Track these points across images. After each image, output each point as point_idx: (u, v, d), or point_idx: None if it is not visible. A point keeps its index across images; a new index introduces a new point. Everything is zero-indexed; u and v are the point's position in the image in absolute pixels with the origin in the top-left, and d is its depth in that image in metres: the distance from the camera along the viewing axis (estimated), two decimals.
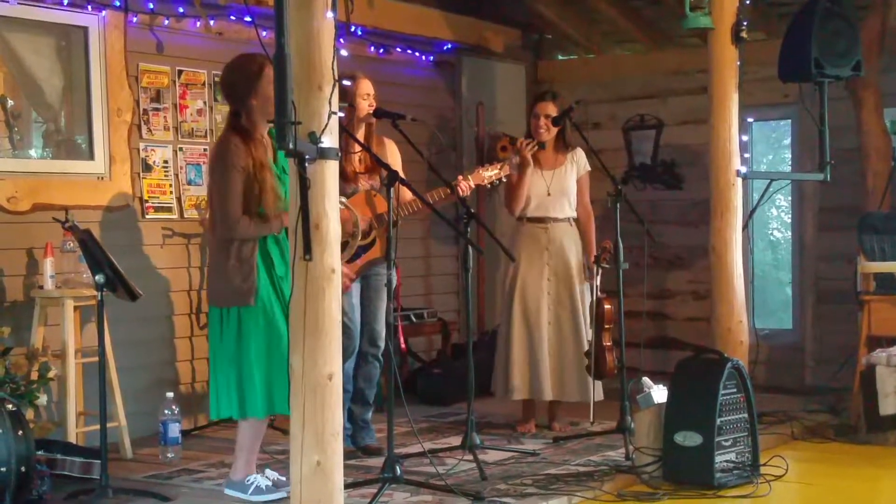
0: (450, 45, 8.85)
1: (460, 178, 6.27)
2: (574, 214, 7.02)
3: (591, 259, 6.99)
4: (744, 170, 7.08)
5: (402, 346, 7.98)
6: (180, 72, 7.19)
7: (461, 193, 6.15)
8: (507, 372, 6.90)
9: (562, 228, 6.96)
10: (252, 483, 5.39)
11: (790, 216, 9.50)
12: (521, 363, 6.88)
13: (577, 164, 7.03)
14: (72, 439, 6.05)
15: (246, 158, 5.27)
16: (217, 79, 6.73)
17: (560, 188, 6.95)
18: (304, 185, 4.17)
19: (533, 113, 7.00)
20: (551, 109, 6.94)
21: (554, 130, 6.93)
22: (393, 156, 6.31)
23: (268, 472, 5.52)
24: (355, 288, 6.24)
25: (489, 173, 6.41)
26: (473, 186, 6.30)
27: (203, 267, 7.16)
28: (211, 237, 5.48)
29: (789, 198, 9.32)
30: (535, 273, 6.91)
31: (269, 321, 5.30)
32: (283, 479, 5.45)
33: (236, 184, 5.25)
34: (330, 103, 4.25)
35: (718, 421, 5.65)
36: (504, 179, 6.58)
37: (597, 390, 6.95)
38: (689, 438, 5.67)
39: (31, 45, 6.61)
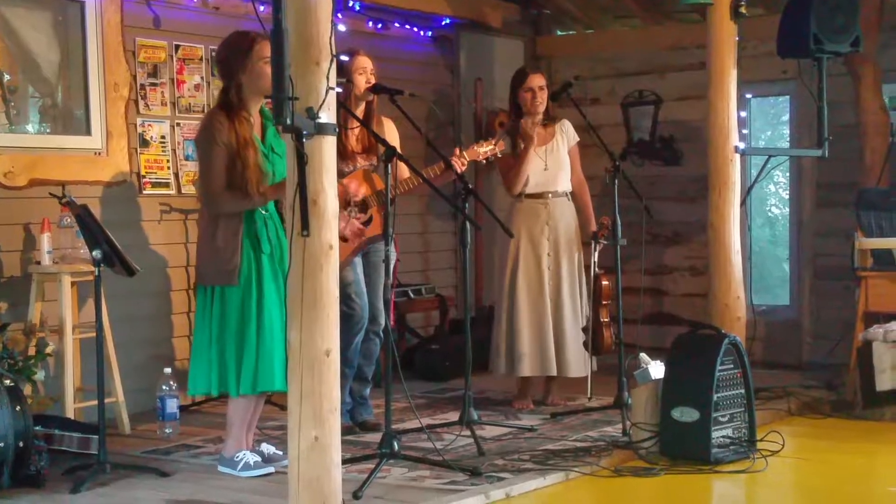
0: (448, 21, 8.82)
1: (457, 149, 6.27)
2: (570, 188, 7.01)
3: (592, 228, 6.99)
4: (742, 146, 7.07)
5: (392, 323, 7.96)
6: (177, 47, 7.17)
7: (458, 169, 6.14)
8: (514, 348, 6.89)
9: (560, 203, 6.96)
10: (241, 459, 5.41)
11: (788, 192, 9.50)
12: (528, 339, 6.87)
13: (566, 134, 7.04)
14: (69, 415, 6.05)
15: (229, 134, 5.28)
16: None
17: (556, 162, 6.95)
18: (302, 160, 4.16)
19: (524, 87, 6.93)
20: (543, 81, 6.95)
21: (546, 102, 6.93)
22: (391, 135, 6.29)
23: (263, 446, 5.54)
24: (358, 264, 6.24)
25: (484, 149, 6.40)
26: (467, 162, 6.29)
27: None
28: (199, 212, 5.53)
29: (787, 174, 9.32)
30: (536, 249, 6.90)
31: (247, 300, 5.34)
32: (280, 453, 5.47)
33: (218, 159, 5.29)
34: (328, 79, 4.24)
35: (715, 397, 5.67)
36: (500, 154, 6.55)
37: (592, 362, 6.96)
38: (686, 414, 5.68)
39: (27, 19, 6.59)
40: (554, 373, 6.91)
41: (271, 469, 5.38)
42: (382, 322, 6.27)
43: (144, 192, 7.00)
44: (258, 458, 5.45)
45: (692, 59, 8.70)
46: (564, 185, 6.98)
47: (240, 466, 5.41)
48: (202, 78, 7.27)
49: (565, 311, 6.90)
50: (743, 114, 7.44)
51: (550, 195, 6.94)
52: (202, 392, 5.51)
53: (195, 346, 5.49)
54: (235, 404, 5.45)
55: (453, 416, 6.36)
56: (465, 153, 6.32)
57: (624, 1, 9.19)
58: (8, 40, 6.51)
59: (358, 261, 6.25)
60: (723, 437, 5.73)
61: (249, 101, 5.38)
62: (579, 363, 6.92)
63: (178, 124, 7.17)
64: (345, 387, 6.20)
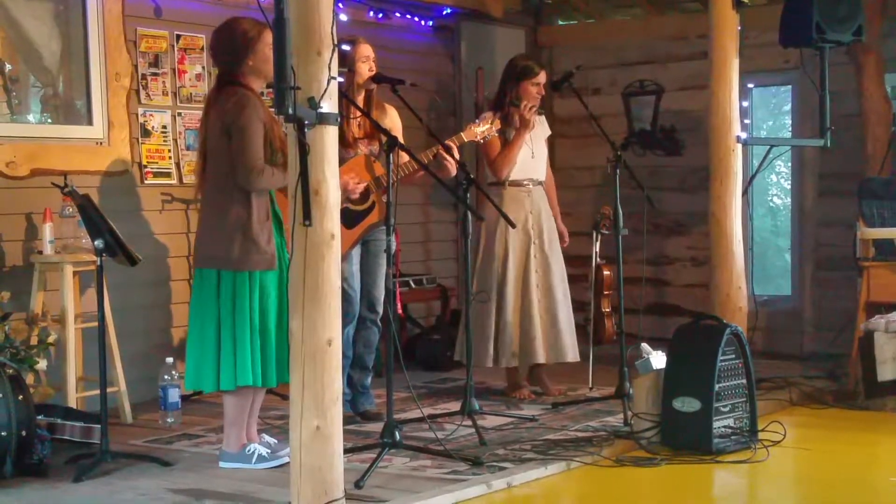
0: (449, 10, 8.81)
1: (445, 146, 6.20)
2: (545, 178, 7.03)
3: (560, 222, 6.99)
4: (744, 136, 7.07)
5: (400, 311, 7.97)
6: (178, 36, 7.16)
7: (451, 167, 6.10)
8: (498, 340, 6.86)
9: (539, 192, 6.97)
10: (253, 452, 5.39)
11: (790, 182, 9.50)
12: (517, 330, 6.85)
13: (543, 127, 7.04)
14: (72, 404, 6.06)
15: (264, 111, 5.26)
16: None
17: (540, 151, 6.99)
18: (304, 150, 4.16)
19: (534, 81, 6.89)
20: (546, 78, 6.95)
21: None
22: (393, 122, 6.29)
23: (265, 437, 5.53)
24: (355, 254, 6.24)
25: (482, 128, 6.40)
26: (465, 141, 6.30)
27: None
28: (217, 196, 5.30)
29: (789, 164, 9.31)
30: (523, 238, 6.88)
31: (282, 285, 5.27)
32: (277, 441, 5.47)
33: (259, 135, 5.19)
34: (329, 68, 4.24)
35: (717, 387, 5.67)
36: (496, 133, 6.54)
37: (575, 351, 6.93)
38: (687, 404, 5.69)
39: (29, 9, 6.59)
40: (541, 360, 6.88)
41: (286, 459, 5.05)
42: (381, 311, 6.27)
43: (146, 181, 7.00)
44: (269, 449, 5.43)
45: (694, 49, 8.69)
46: (543, 174, 7.00)
47: (254, 459, 5.37)
48: (203, 68, 7.26)
49: (557, 298, 6.87)
50: (745, 103, 7.44)
51: (531, 184, 6.93)
52: (245, 384, 5.29)
53: (222, 339, 5.26)
54: (236, 400, 5.39)
55: (455, 405, 6.36)
56: (462, 135, 6.32)
57: None
58: (9, 30, 6.51)
59: (356, 250, 6.25)
60: (724, 427, 5.73)
61: (255, 84, 5.36)
62: (574, 348, 6.89)
63: (180, 114, 7.17)
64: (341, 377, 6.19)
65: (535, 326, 6.84)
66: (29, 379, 5.74)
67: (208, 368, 5.31)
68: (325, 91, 4.22)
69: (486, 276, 6.91)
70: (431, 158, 6.17)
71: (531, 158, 6.91)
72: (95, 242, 5.41)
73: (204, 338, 5.32)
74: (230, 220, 5.24)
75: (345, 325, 6.12)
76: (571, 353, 6.90)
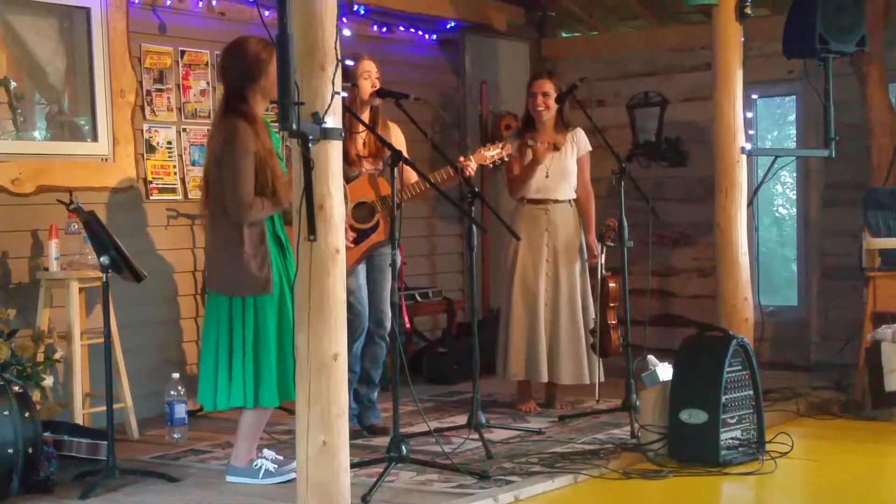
0: (453, 24, 8.83)
1: (462, 158, 6.25)
2: (574, 196, 6.99)
3: (592, 238, 6.99)
4: (748, 146, 7.07)
5: (408, 325, 7.96)
6: (183, 52, 7.18)
7: (467, 174, 6.13)
8: (506, 353, 6.89)
9: (562, 210, 6.94)
10: (261, 467, 5.39)
11: (795, 192, 9.48)
12: (519, 345, 6.87)
13: (577, 144, 6.99)
14: (78, 421, 6.06)
15: (256, 143, 5.25)
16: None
17: (560, 171, 6.92)
18: (308, 165, 4.17)
19: (530, 92, 6.95)
20: (548, 87, 6.92)
21: (553, 108, 6.90)
22: (397, 140, 6.28)
23: (265, 452, 5.52)
24: (361, 269, 6.24)
25: (491, 153, 6.38)
26: (476, 167, 6.28)
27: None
28: (214, 221, 5.38)
29: (794, 174, 9.30)
30: (535, 254, 6.88)
31: (282, 308, 5.31)
32: (281, 458, 5.46)
33: (250, 168, 5.20)
34: (333, 83, 4.25)
35: (724, 398, 5.66)
36: (506, 158, 6.53)
37: (601, 370, 6.94)
38: (694, 416, 5.68)
39: (33, 26, 6.61)
40: (545, 379, 6.89)
41: (293, 474, 4.96)
42: (388, 326, 6.27)
43: (151, 197, 7.01)
44: (276, 465, 5.43)
45: (698, 60, 8.70)
46: (566, 193, 6.96)
47: (261, 474, 5.38)
48: (208, 83, 7.28)
49: (562, 318, 6.87)
50: (749, 114, 7.44)
51: (551, 202, 6.92)
52: (237, 405, 5.37)
53: (219, 360, 5.33)
54: (253, 416, 5.41)
55: (461, 419, 6.36)
56: (472, 157, 6.31)
57: (629, 2, 9.19)
58: (14, 47, 6.53)
59: (361, 266, 6.25)
60: (731, 438, 5.72)
61: (261, 106, 5.37)
62: (574, 370, 6.87)
63: (185, 129, 7.18)
64: (348, 392, 6.19)
65: (539, 345, 6.84)
66: (35, 396, 5.75)
67: (208, 387, 5.38)
68: (329, 106, 4.22)
69: (502, 290, 6.94)
70: (445, 178, 6.15)
71: (545, 178, 6.89)
72: (101, 259, 5.42)
73: (207, 357, 5.41)
74: (224, 246, 5.32)
75: (354, 339, 6.13)
76: (567, 377, 6.88)
